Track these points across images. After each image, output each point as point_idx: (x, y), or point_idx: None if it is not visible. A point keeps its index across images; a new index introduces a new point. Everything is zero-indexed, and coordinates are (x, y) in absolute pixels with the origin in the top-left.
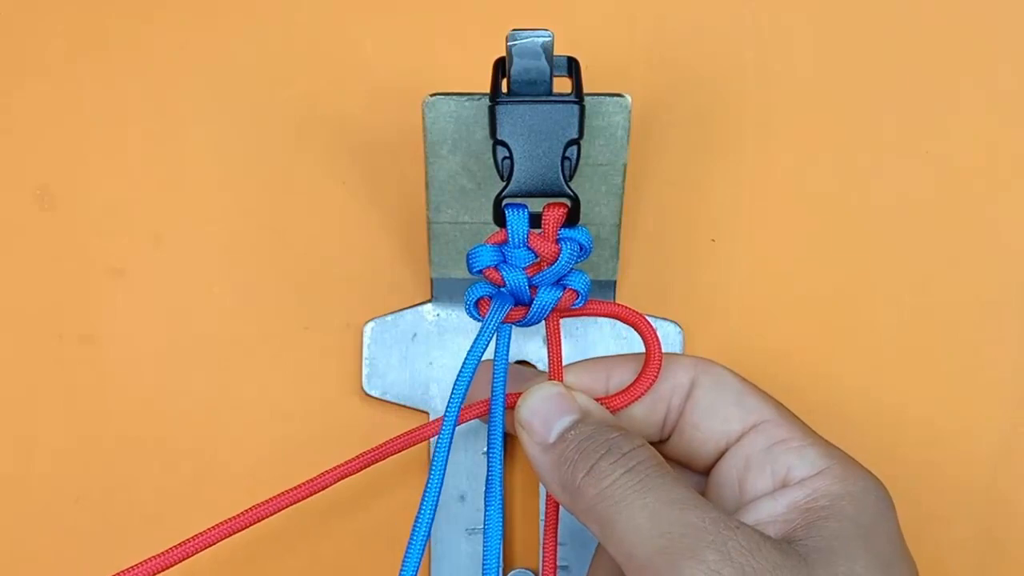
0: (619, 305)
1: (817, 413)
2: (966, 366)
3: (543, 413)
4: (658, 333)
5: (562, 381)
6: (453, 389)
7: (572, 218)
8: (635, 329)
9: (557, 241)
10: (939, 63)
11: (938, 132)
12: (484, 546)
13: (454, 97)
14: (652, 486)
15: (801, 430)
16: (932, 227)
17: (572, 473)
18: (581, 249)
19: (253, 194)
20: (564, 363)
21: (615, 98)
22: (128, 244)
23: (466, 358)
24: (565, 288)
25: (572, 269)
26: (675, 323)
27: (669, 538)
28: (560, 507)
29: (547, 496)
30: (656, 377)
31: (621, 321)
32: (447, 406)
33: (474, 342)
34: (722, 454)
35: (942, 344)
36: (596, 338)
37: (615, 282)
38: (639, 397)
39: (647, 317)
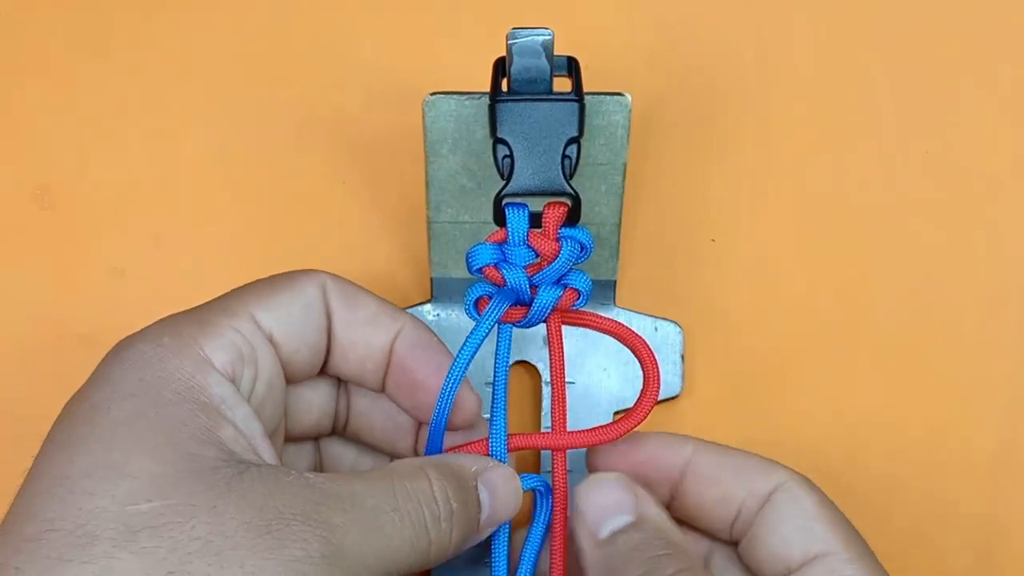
0: (620, 324)
1: (817, 413)
2: (966, 366)
3: (598, 504)
4: (658, 337)
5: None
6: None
7: (573, 217)
8: (633, 353)
9: (557, 239)
10: (939, 63)
11: (938, 132)
12: (491, 546)
13: (454, 96)
14: None
15: (866, 567)
16: (932, 227)
17: None
18: (582, 248)
19: (253, 194)
20: (566, 370)
21: (615, 97)
22: (128, 244)
23: (460, 350)
24: (566, 287)
25: (573, 269)
26: (675, 323)
27: None
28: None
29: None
30: (653, 403)
31: (619, 341)
32: (442, 388)
33: (470, 335)
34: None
35: (942, 344)
36: (596, 338)
37: (615, 282)
38: (638, 424)
39: (648, 316)
